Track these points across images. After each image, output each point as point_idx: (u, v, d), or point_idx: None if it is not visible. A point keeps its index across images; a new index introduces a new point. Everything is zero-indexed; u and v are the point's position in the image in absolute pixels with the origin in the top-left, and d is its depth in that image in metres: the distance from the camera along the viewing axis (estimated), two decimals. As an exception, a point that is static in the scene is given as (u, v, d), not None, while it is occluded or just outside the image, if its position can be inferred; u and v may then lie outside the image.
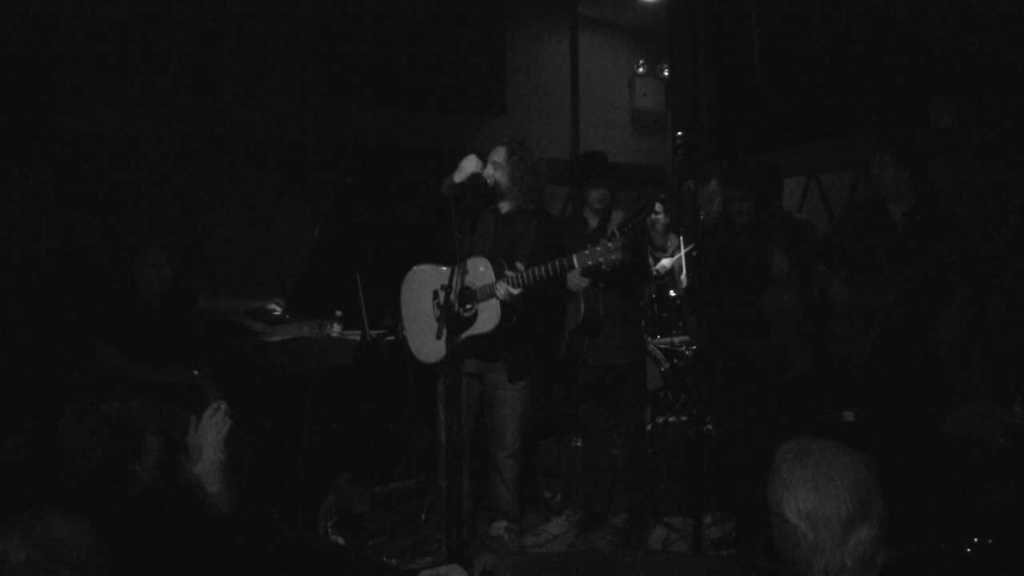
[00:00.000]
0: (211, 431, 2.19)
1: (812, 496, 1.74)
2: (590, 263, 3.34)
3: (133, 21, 4.90)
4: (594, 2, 6.88)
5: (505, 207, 3.81)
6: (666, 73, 7.25)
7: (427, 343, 3.74)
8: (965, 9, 4.81)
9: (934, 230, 3.69)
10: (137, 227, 4.91)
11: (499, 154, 3.77)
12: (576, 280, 3.90)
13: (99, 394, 3.73)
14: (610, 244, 3.30)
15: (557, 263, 3.40)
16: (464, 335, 3.57)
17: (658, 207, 5.26)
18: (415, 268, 3.88)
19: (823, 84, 5.70)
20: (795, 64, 5.91)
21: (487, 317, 3.57)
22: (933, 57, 5.03)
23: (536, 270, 3.44)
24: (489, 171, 3.73)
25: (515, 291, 3.46)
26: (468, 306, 3.55)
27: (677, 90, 7.12)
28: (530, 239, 3.71)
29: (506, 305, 3.53)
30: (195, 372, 4.13)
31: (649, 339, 5.30)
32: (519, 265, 3.51)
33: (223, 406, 2.25)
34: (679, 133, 6.77)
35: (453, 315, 3.40)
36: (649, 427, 4.97)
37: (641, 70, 7.19)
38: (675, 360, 5.15)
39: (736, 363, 4.10)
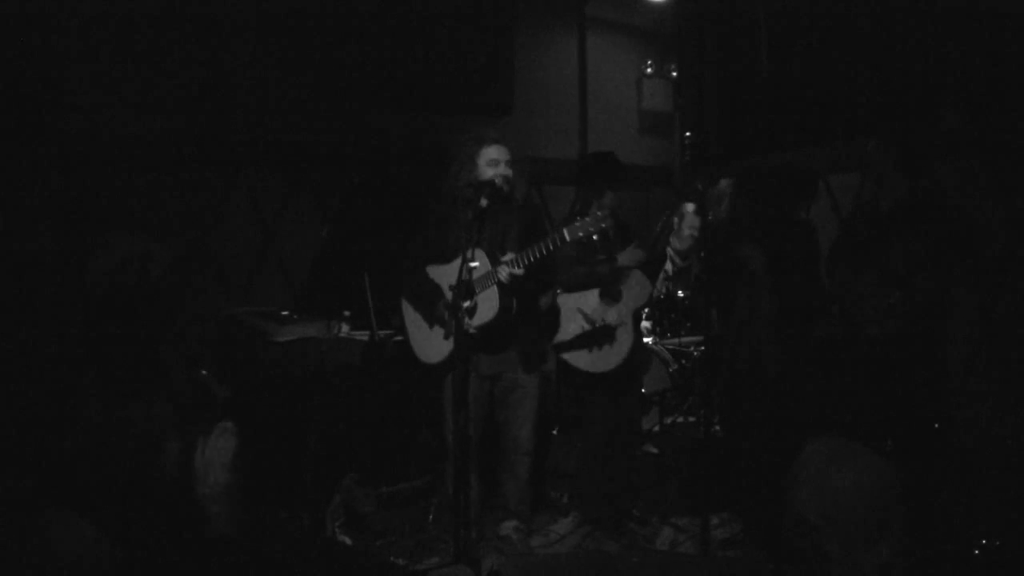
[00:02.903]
0: (217, 454, 2.18)
1: (846, 502, 1.62)
2: (581, 234, 3.45)
3: (136, 20, 4.90)
4: (602, 3, 6.87)
5: (486, 203, 3.81)
6: (674, 74, 7.24)
7: (432, 343, 3.74)
8: (973, 9, 4.79)
9: (925, 222, 3.65)
10: (141, 228, 4.91)
11: (505, 152, 3.79)
12: (633, 255, 4.02)
13: (118, 396, 3.73)
14: (599, 213, 3.46)
15: (550, 239, 3.48)
16: (469, 329, 3.57)
17: (689, 207, 5.17)
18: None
19: (831, 84, 5.68)
20: (803, 64, 5.90)
21: (487, 306, 3.59)
22: (941, 58, 5.01)
23: (533, 249, 3.50)
24: (500, 170, 3.73)
25: (518, 271, 3.51)
26: (467, 302, 3.55)
27: (685, 91, 7.11)
28: (515, 227, 3.77)
29: (505, 290, 3.55)
30: (203, 371, 4.13)
31: (657, 339, 5.29)
32: (510, 254, 3.57)
33: (230, 427, 2.24)
34: (687, 134, 6.78)
35: (462, 312, 3.41)
36: (656, 428, 4.96)
37: (649, 71, 7.18)
38: (683, 361, 5.14)
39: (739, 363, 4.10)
